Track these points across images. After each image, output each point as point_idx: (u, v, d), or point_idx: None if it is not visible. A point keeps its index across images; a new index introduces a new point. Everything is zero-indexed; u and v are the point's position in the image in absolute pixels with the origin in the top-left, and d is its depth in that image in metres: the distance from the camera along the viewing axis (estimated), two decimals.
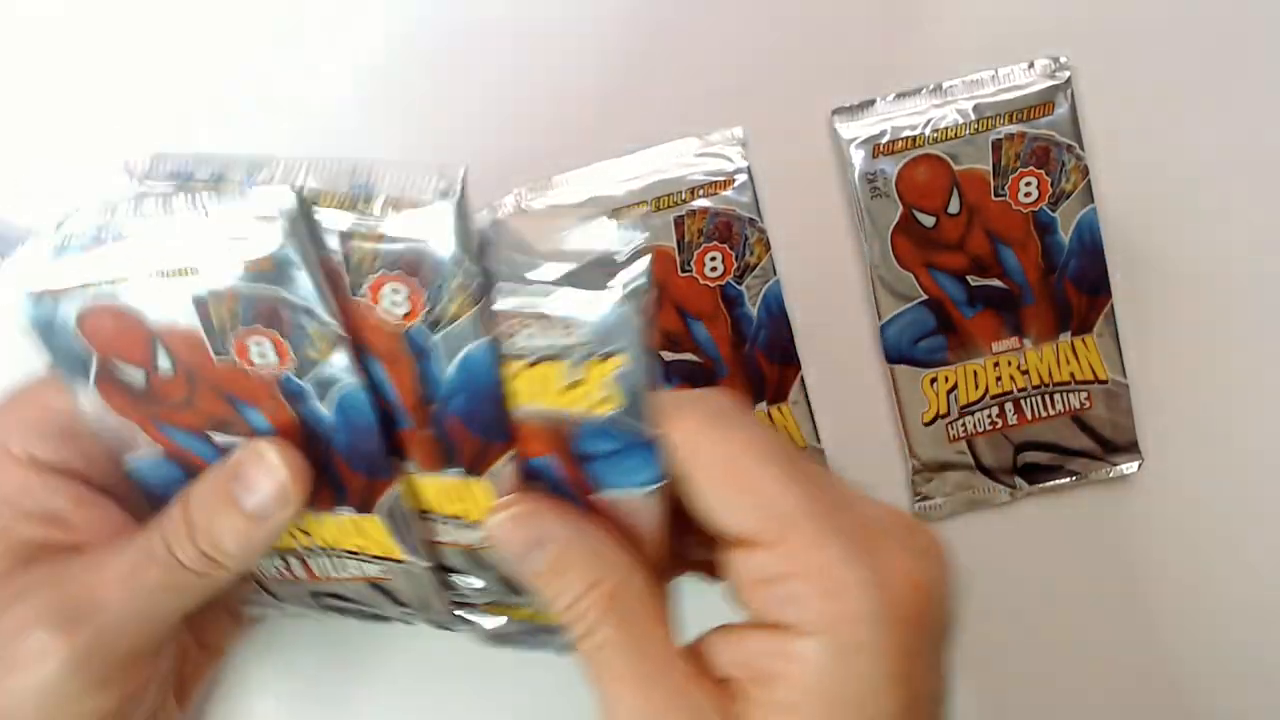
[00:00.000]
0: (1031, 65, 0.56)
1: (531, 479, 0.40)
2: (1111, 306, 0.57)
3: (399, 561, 0.45)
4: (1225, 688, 0.59)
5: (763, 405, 0.55)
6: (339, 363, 0.39)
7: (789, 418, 0.55)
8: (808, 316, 0.56)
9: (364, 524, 0.44)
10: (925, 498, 0.57)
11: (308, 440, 0.42)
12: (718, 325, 0.55)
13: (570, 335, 0.36)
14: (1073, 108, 0.56)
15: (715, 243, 0.55)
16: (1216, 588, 0.59)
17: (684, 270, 0.55)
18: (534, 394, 0.38)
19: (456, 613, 0.49)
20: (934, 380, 0.57)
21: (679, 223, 0.55)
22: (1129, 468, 0.58)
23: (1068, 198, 0.56)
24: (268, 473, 0.41)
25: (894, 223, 0.56)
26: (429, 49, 0.57)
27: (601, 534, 0.40)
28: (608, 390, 0.37)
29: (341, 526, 0.44)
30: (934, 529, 0.40)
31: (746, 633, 0.39)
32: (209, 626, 0.52)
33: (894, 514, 0.40)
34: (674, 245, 0.55)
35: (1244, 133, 0.58)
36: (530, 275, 0.36)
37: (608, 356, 0.36)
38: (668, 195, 0.55)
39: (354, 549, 0.46)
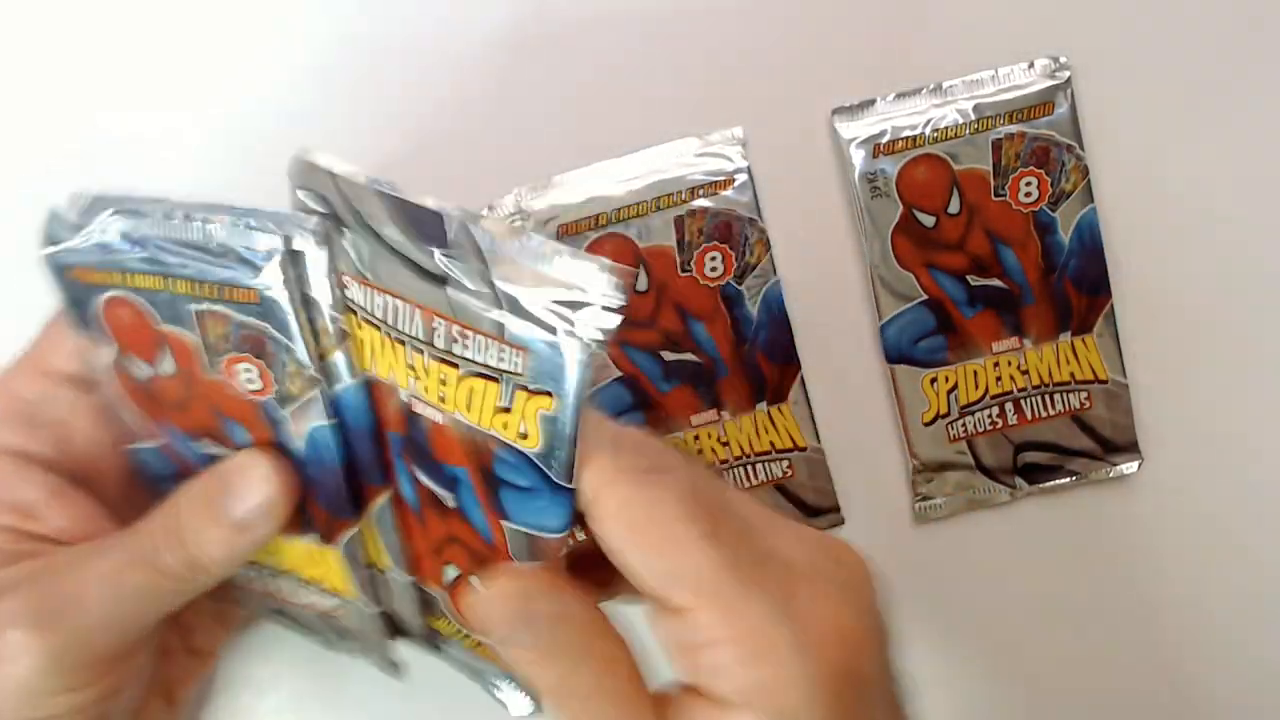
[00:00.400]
0: (1031, 65, 0.56)
1: (445, 485, 0.40)
2: (1111, 306, 0.57)
3: (351, 599, 0.46)
4: (1225, 687, 0.59)
5: (763, 405, 0.55)
6: (313, 402, 0.40)
7: (789, 418, 0.55)
8: (808, 316, 0.56)
9: (325, 555, 0.45)
10: (926, 498, 0.57)
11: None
12: (718, 325, 0.55)
13: (510, 361, 0.35)
14: (1073, 107, 0.56)
15: (715, 243, 0.55)
16: (1216, 587, 0.59)
17: (684, 270, 0.55)
18: (461, 405, 0.37)
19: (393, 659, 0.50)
20: (934, 380, 0.57)
21: (679, 223, 0.55)
22: (1129, 468, 0.58)
23: (1068, 198, 0.56)
24: (257, 484, 0.42)
25: (894, 222, 0.56)
26: (428, 48, 0.57)
27: (588, 612, 0.38)
28: (533, 427, 0.36)
29: (306, 553, 0.45)
30: (855, 548, 0.39)
31: (690, 701, 0.37)
32: (196, 631, 0.52)
33: (817, 545, 0.39)
34: (674, 245, 0.55)
35: (1245, 132, 0.58)
36: (500, 288, 0.35)
37: (538, 394, 0.35)
38: (668, 195, 0.55)
39: (312, 579, 0.46)
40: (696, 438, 0.55)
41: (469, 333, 0.36)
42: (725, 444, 0.55)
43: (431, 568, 0.44)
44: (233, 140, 0.56)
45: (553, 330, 0.34)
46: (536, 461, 0.36)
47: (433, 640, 0.48)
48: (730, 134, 0.56)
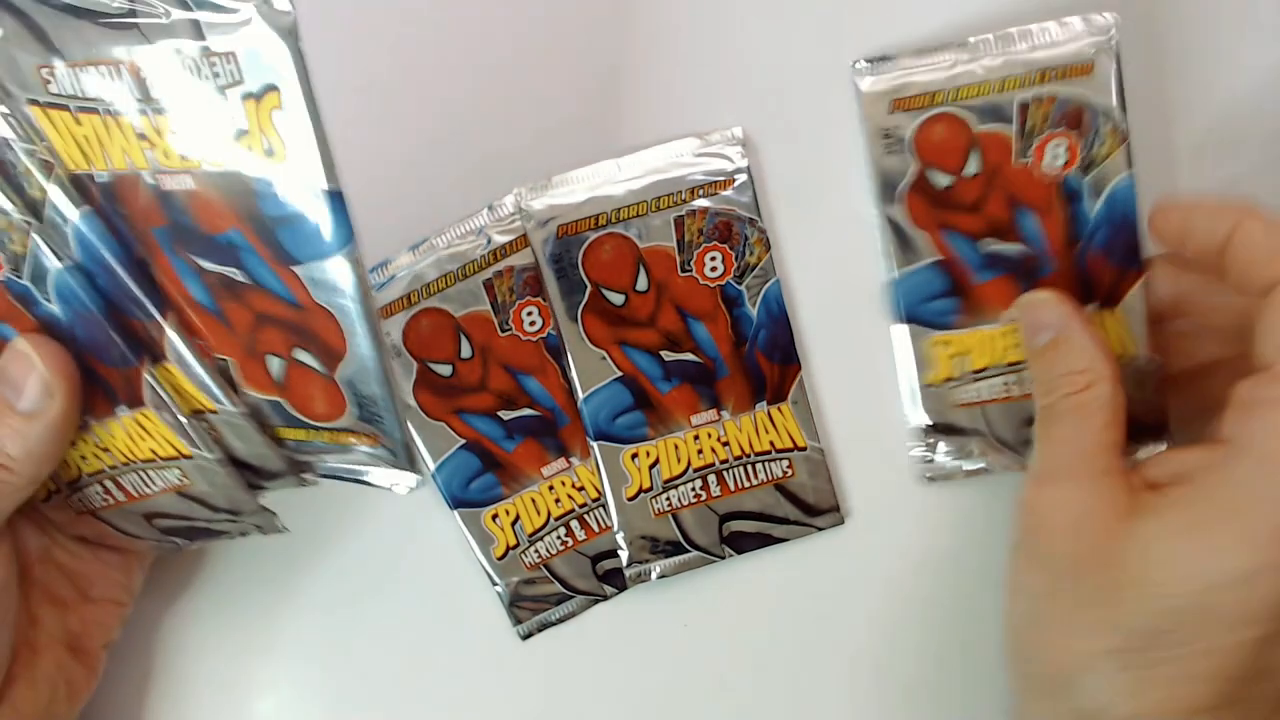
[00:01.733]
0: (1067, 24, 0.54)
1: (227, 259, 0.38)
2: (1143, 284, 0.55)
3: (189, 458, 0.45)
4: None
5: (763, 405, 0.55)
6: (36, 254, 0.40)
7: (789, 418, 0.55)
8: (809, 316, 0.56)
9: (144, 420, 0.44)
10: (929, 460, 0.57)
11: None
12: (718, 325, 0.55)
13: (225, 72, 0.34)
14: (1118, 70, 0.53)
15: (715, 243, 0.55)
16: None
17: (684, 270, 0.55)
18: (198, 149, 0.35)
19: (263, 504, 0.49)
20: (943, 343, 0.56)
21: (679, 223, 0.54)
22: (1146, 454, 0.57)
23: (1099, 165, 0.54)
24: (29, 367, 0.42)
25: (910, 181, 0.55)
26: (431, 45, 0.57)
27: (1096, 337, 0.49)
28: (274, 137, 0.34)
29: (129, 431, 0.45)
30: None
31: (1186, 451, 0.46)
32: (91, 578, 0.52)
33: None
34: (674, 245, 0.55)
35: None
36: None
37: (265, 94, 0.34)
38: (668, 195, 0.54)
39: (149, 456, 0.46)
40: (696, 438, 0.55)
41: (175, 65, 0.34)
42: (725, 444, 0.55)
43: (255, 372, 0.42)
44: None
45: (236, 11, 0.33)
46: (291, 175, 0.35)
47: (295, 465, 0.47)
48: (730, 134, 0.55)
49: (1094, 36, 0.53)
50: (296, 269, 0.38)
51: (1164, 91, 0.56)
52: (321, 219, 0.36)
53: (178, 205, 0.38)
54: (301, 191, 0.36)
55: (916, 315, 0.56)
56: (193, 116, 0.35)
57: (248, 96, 0.34)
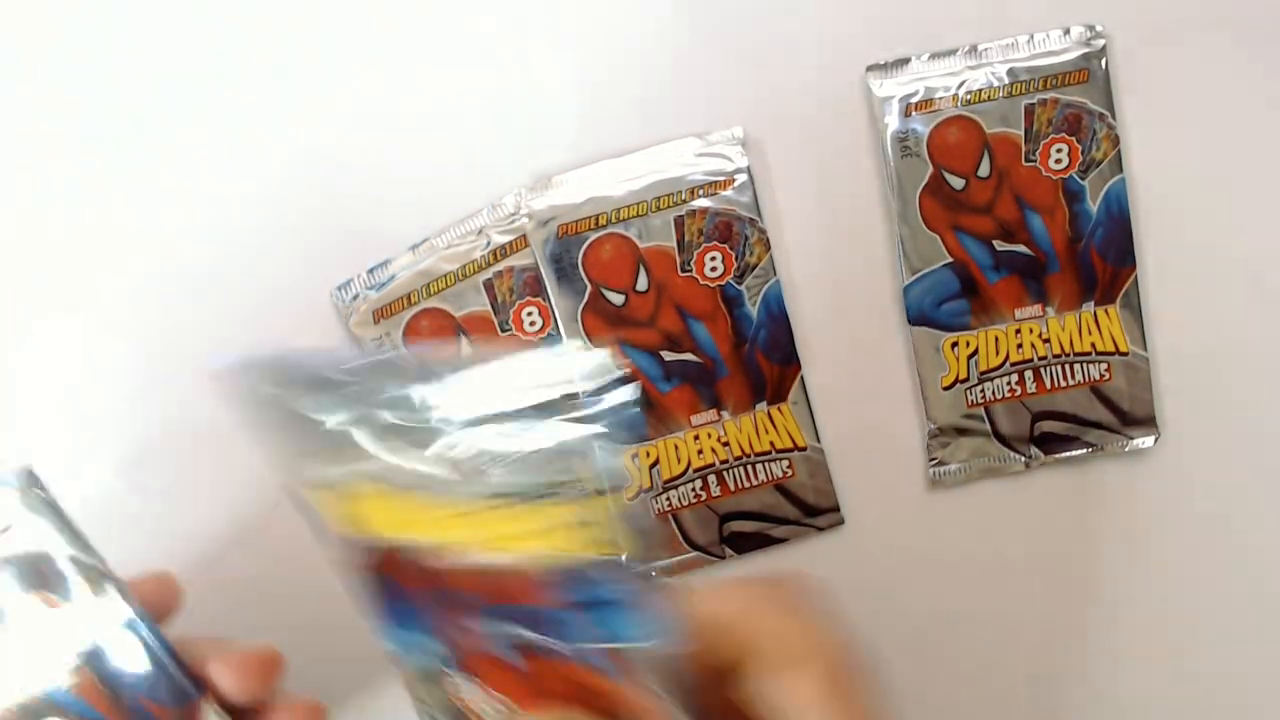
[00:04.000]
0: (1067, 32, 0.55)
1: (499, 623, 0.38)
2: (1135, 278, 0.56)
3: None
4: (1228, 669, 0.59)
5: (763, 405, 0.56)
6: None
7: (789, 418, 0.56)
8: (809, 315, 0.56)
9: None
10: (941, 463, 0.57)
11: None
12: (718, 325, 0.55)
13: (567, 470, 0.34)
14: (1106, 76, 0.55)
15: (715, 243, 0.55)
16: (1223, 564, 0.59)
17: (684, 270, 0.55)
18: (511, 536, 0.35)
19: None
20: (955, 344, 0.57)
21: (679, 223, 0.55)
22: (1145, 442, 0.57)
23: (1097, 166, 0.55)
24: None
25: (923, 183, 0.56)
26: (429, 50, 0.57)
27: None
28: (616, 531, 0.34)
29: None
30: None
31: None
32: None
33: None
34: (674, 245, 0.55)
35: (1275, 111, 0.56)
36: (497, 409, 0.33)
37: (609, 492, 0.34)
38: (668, 195, 0.55)
39: None
40: (696, 438, 0.56)
41: (496, 460, 0.34)
42: (725, 444, 0.56)
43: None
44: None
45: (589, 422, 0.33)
46: (621, 567, 0.35)
47: None
48: (730, 134, 0.55)
49: (1088, 45, 0.55)
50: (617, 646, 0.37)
51: (1156, 96, 0.57)
52: (637, 614, 0.36)
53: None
54: (624, 585, 0.35)
55: (930, 318, 0.57)
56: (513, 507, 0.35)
57: (594, 494, 0.34)
